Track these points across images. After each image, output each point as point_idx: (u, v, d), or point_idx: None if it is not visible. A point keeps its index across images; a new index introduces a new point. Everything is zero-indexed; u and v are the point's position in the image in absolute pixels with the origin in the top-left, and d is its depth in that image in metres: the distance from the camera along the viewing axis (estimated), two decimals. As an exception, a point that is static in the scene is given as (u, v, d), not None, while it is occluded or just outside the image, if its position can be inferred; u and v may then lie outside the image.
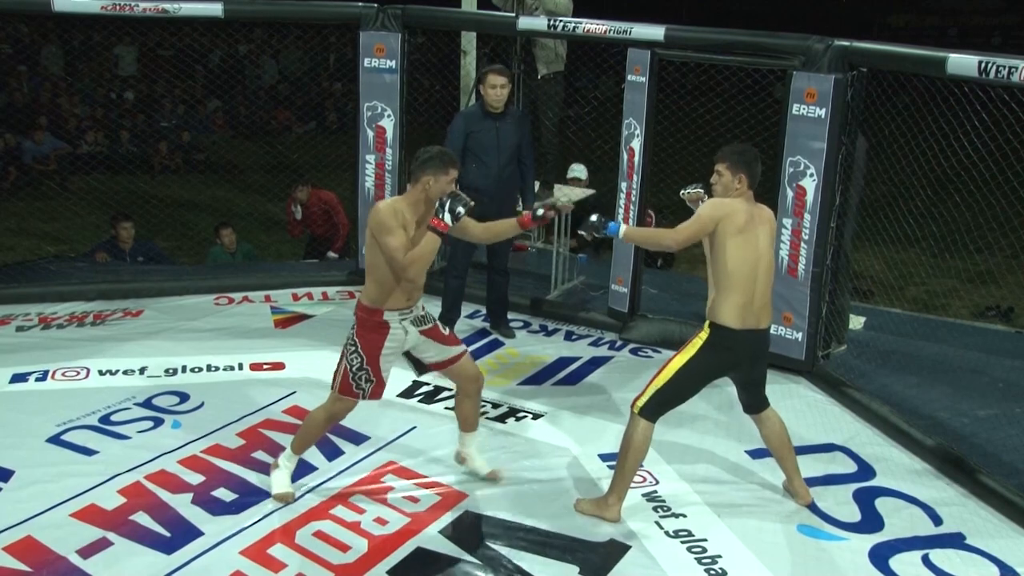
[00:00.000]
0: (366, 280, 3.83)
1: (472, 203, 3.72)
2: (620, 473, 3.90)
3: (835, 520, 4.06)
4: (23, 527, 3.71)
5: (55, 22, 12.52)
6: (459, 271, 5.70)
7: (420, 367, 4.08)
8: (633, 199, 5.79)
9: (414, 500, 4.04)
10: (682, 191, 4.28)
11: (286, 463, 4.04)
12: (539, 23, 5.99)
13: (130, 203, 8.55)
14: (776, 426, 4.08)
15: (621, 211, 5.85)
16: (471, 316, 6.07)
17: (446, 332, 4.03)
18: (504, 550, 3.73)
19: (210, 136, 12.85)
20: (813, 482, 4.31)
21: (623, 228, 3.89)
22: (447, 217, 3.66)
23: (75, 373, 5.10)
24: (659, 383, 3.84)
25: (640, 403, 3.86)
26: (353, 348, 3.84)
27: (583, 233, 4.00)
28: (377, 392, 3.89)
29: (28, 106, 11.95)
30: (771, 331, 5.29)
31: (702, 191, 4.16)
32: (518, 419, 4.81)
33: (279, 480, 4.02)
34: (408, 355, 4.12)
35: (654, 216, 7.48)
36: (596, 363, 5.55)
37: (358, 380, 3.85)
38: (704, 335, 3.84)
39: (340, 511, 3.93)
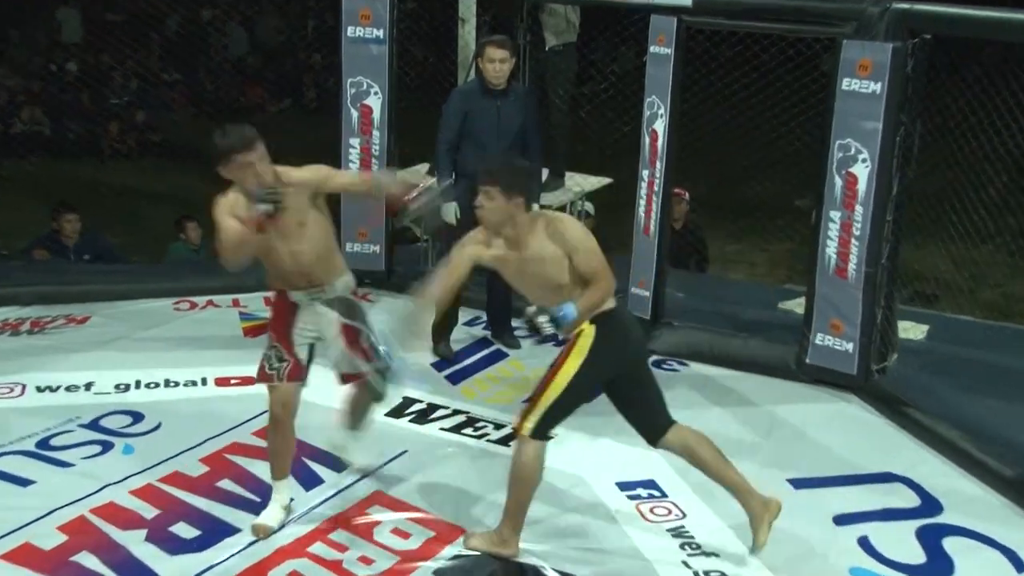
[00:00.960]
0: None
1: (280, 202, 3.79)
2: (515, 503, 3.86)
3: (894, 562, 4.02)
4: (-53, 569, 3.70)
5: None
6: None
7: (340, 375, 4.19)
8: (656, 189, 5.77)
9: (404, 536, 4.03)
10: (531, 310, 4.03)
11: (276, 495, 4.11)
12: (549, -15, 5.98)
13: (74, 192, 8.57)
14: (697, 444, 3.88)
15: (643, 202, 5.83)
16: (469, 323, 6.06)
17: (365, 345, 4.10)
18: (508, 595, 3.72)
19: (168, 115, 12.85)
20: (868, 517, 4.29)
21: (572, 309, 3.68)
22: (252, 211, 3.78)
23: (8, 390, 5.10)
24: (549, 400, 3.77)
25: (529, 425, 3.78)
26: (268, 332, 4.09)
27: (535, 340, 3.98)
28: (295, 374, 3.98)
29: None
30: (820, 341, 5.34)
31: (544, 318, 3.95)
32: (524, 443, 4.78)
33: (268, 512, 4.08)
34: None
35: (686, 193, 7.46)
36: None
37: (269, 360, 4.00)
38: (590, 331, 3.74)
39: (319, 549, 3.92)
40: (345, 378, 4.18)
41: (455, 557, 3.91)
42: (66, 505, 4.11)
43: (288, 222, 3.89)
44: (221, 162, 3.83)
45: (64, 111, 11.79)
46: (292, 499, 4.14)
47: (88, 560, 3.80)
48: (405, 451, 4.66)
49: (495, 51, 5.37)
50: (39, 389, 5.11)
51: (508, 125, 5.45)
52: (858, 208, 5.18)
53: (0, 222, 9.00)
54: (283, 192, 3.82)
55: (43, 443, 4.60)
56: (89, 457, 4.49)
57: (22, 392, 5.08)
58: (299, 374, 4.01)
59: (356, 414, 4.33)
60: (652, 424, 3.90)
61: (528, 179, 3.85)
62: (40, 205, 8.66)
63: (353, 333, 4.08)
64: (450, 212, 5.48)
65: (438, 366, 5.59)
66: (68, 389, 5.12)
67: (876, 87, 5.01)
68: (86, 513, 4.07)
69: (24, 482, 4.29)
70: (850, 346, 5.33)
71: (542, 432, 3.79)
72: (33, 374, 5.24)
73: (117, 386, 5.17)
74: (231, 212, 3.84)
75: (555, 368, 3.79)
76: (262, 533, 3.99)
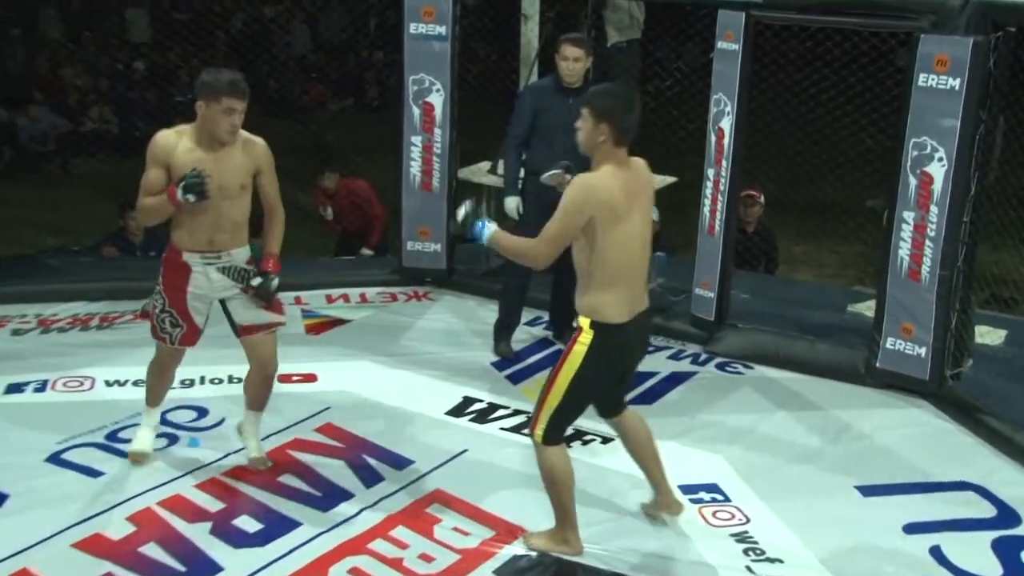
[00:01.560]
0: None
1: (207, 195, 3.87)
2: (559, 506, 3.87)
3: (968, 574, 3.97)
4: (18, 558, 3.80)
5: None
6: (521, 269, 5.70)
7: (234, 327, 4.26)
8: (722, 188, 5.75)
9: (464, 534, 4.06)
10: (543, 176, 4.12)
11: (146, 419, 4.44)
12: (615, -19, 5.98)
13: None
14: (642, 429, 4.04)
15: (708, 202, 5.82)
16: (531, 323, 6.09)
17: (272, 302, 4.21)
18: (570, 597, 3.74)
19: (232, 113, 13.03)
20: (941, 527, 4.23)
21: (490, 231, 3.74)
22: (179, 192, 3.87)
23: (78, 383, 5.23)
24: (553, 404, 3.75)
25: (540, 432, 3.79)
26: (157, 288, 4.16)
27: (454, 231, 3.95)
28: (189, 338, 4.20)
29: (23, 77, 12.24)
30: (891, 345, 5.27)
31: (563, 172, 3.94)
32: (585, 443, 4.80)
33: (140, 437, 4.41)
34: (225, 311, 4.24)
35: (761, 195, 7.41)
36: (676, 379, 5.53)
37: (162, 323, 4.16)
38: (587, 339, 3.68)
39: (380, 545, 3.96)
40: (242, 330, 4.23)
41: (515, 556, 3.93)
42: (135, 496, 4.21)
43: (232, 183, 4.01)
44: (207, 97, 3.91)
45: (131, 109, 12.03)
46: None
47: (155, 551, 3.88)
48: (466, 450, 4.70)
49: (570, 49, 5.38)
50: (108, 383, 5.24)
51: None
52: (933, 208, 5.11)
53: (70, 219, 9.23)
54: (209, 180, 3.89)
55: (112, 435, 4.71)
56: (156, 450, 4.58)
57: (92, 386, 5.21)
58: (193, 339, 4.21)
59: (253, 399, 4.39)
60: (614, 404, 4.02)
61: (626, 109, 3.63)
62: (109, 203, 8.86)
63: (251, 289, 4.16)
64: (513, 208, 5.52)
65: (499, 366, 5.63)
66: (135, 384, 5.23)
67: (955, 83, 4.93)
68: (153, 505, 4.16)
69: (95, 473, 4.39)
70: (922, 351, 5.26)
71: (554, 437, 3.80)
72: (102, 368, 5.37)
73: (182, 381, 5.24)
74: (161, 160, 3.95)
75: (554, 373, 3.78)
76: (140, 460, 4.35)
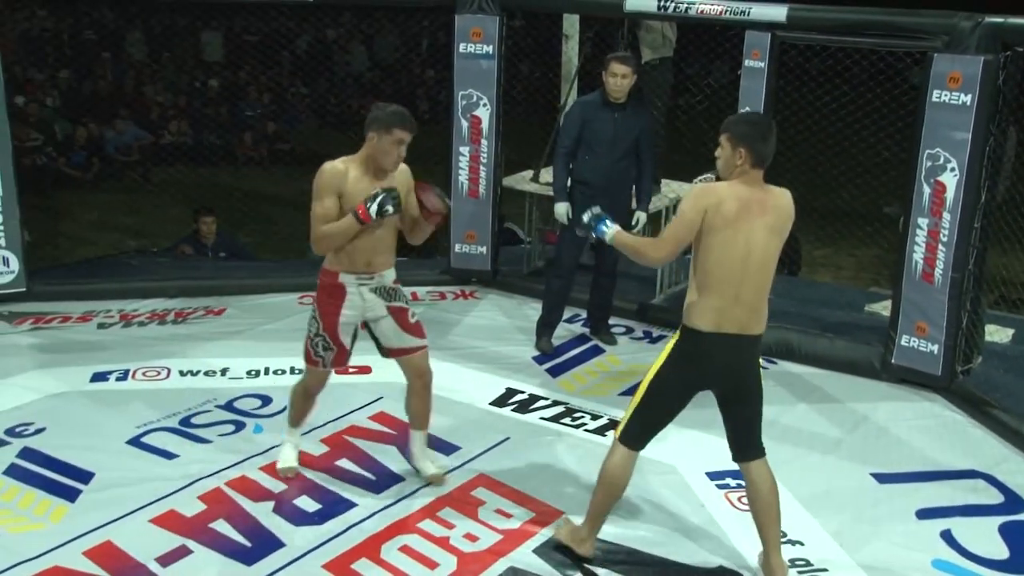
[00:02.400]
0: None
1: (401, 207, 3.84)
2: (593, 505, 3.72)
3: (977, 556, 3.91)
4: (103, 531, 3.86)
5: (139, 6, 13.02)
6: (563, 270, 5.70)
7: (381, 349, 4.19)
8: (749, 195, 5.69)
9: (507, 516, 4.06)
10: (695, 180, 4.08)
11: (288, 437, 4.32)
12: (648, 4, 5.93)
13: (213, 196, 8.82)
14: (766, 487, 3.62)
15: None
16: (570, 320, 6.07)
17: (413, 320, 4.12)
18: (603, 573, 3.71)
19: (296, 126, 13.16)
20: (951, 512, 4.18)
21: (612, 231, 3.69)
22: (373, 209, 3.78)
23: (156, 373, 5.29)
24: (635, 401, 3.60)
25: (620, 428, 3.65)
26: (312, 314, 4.05)
27: (579, 232, 3.92)
28: (340, 360, 4.08)
29: (112, 94, 12.43)
30: (905, 342, 5.20)
31: (713, 178, 3.92)
32: (619, 433, 4.77)
33: (284, 455, 4.31)
34: (371, 333, 4.15)
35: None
36: (705, 374, 5.48)
37: (315, 347, 4.05)
38: (674, 339, 3.54)
39: (428, 525, 3.97)
40: (390, 352, 4.17)
41: (553, 537, 3.91)
42: (205, 477, 4.25)
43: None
44: (380, 129, 3.82)
45: (205, 123, 12.16)
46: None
47: (223, 527, 3.92)
48: (508, 438, 4.70)
49: (618, 66, 5.35)
50: (182, 373, 5.29)
51: (624, 136, 5.41)
52: (946, 215, 5.04)
53: (150, 223, 9.34)
54: (399, 193, 3.85)
55: (185, 421, 4.76)
56: (225, 435, 4.63)
57: (167, 375, 5.27)
58: (343, 360, 4.10)
59: (414, 416, 4.27)
60: (740, 445, 3.65)
61: (762, 136, 3.47)
62: (184, 208, 8.98)
63: (401, 312, 4.08)
64: (562, 212, 5.51)
65: (539, 360, 5.61)
66: (207, 374, 5.29)
67: (967, 99, 4.88)
68: (222, 485, 4.20)
69: (169, 455, 4.44)
70: (935, 348, 5.19)
71: (629, 438, 3.63)
72: (176, 360, 5.43)
73: (249, 372, 5.32)
74: (335, 188, 3.83)
75: (644, 378, 3.64)
76: (290, 475, 4.24)
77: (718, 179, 3.66)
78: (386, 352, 4.18)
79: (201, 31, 13.81)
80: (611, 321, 5.99)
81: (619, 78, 5.34)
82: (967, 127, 4.89)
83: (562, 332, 5.93)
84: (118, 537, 3.83)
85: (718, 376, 3.56)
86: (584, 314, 6.06)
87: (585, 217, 3.82)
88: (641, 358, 5.67)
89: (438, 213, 3.96)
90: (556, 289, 5.73)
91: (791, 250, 7.49)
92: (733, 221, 3.39)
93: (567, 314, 6.05)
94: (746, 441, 3.64)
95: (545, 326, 5.79)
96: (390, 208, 3.79)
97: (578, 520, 3.84)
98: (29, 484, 4.19)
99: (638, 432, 3.63)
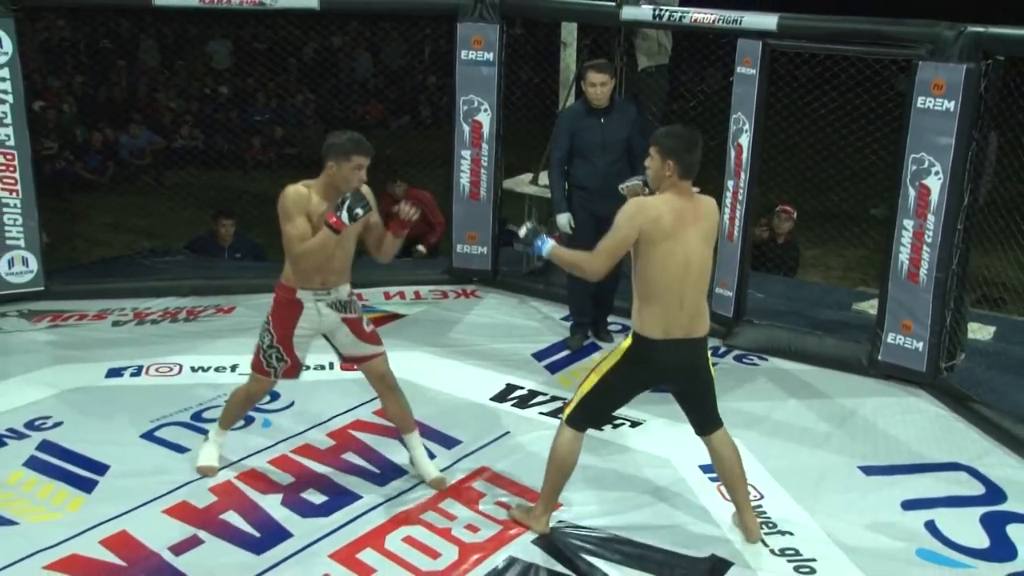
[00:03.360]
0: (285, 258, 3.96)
1: (371, 207, 3.81)
2: (545, 484, 3.83)
3: (959, 546, 3.92)
4: (118, 521, 3.87)
5: (153, 16, 13.02)
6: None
7: (341, 359, 4.20)
8: (740, 198, 5.70)
9: (507, 507, 4.06)
10: (620, 185, 4.07)
11: (215, 437, 4.27)
12: (643, 13, 5.94)
13: (223, 199, 8.82)
14: (727, 451, 3.81)
15: (728, 210, 5.77)
16: (566, 319, 6.07)
17: (368, 328, 4.11)
18: (599, 562, 3.73)
19: (303, 131, 13.17)
20: (935, 503, 4.19)
21: (548, 246, 3.67)
22: (344, 215, 3.74)
23: (168, 369, 5.30)
24: (584, 390, 3.74)
25: (568, 411, 3.78)
26: (266, 325, 4.02)
27: (518, 247, 3.89)
28: (291, 372, 4.05)
29: (126, 100, 12.45)
30: (891, 340, 5.21)
31: (641, 183, 3.88)
32: (615, 427, 4.79)
33: (206, 453, 4.25)
34: (330, 341, 4.15)
35: (794, 212, 7.35)
36: (698, 370, 5.49)
37: (268, 358, 4.02)
38: (626, 344, 3.67)
39: (431, 517, 3.98)
40: (348, 359, 4.15)
41: (552, 527, 3.93)
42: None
43: (352, 231, 3.90)
44: (337, 157, 3.78)
45: (215, 128, 12.18)
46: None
47: (234, 518, 3.93)
48: (508, 432, 4.71)
49: (595, 75, 5.35)
50: (193, 369, 5.30)
51: (612, 140, 5.41)
52: (930, 217, 5.05)
53: (162, 225, 9.35)
54: (364, 195, 3.83)
55: (197, 415, 4.77)
56: (235, 429, 4.59)
57: (179, 371, 5.28)
58: (294, 372, 4.07)
59: (397, 419, 4.23)
60: (700, 422, 3.83)
61: (689, 148, 3.56)
62: (195, 209, 8.98)
63: (355, 323, 4.07)
64: (564, 223, 5.51)
65: (538, 357, 5.62)
66: (217, 370, 5.30)
67: (950, 105, 4.89)
68: (232, 478, 4.21)
69: (182, 449, 4.45)
70: (920, 345, 5.20)
71: (578, 420, 3.76)
72: (188, 356, 5.44)
73: (258, 368, 5.32)
74: (303, 209, 3.80)
75: (595, 367, 3.77)
76: (210, 473, 4.18)
77: (645, 184, 3.77)
78: (344, 359, 4.16)
79: (211, 39, 13.82)
80: (608, 320, 5.99)
81: (598, 87, 5.35)
82: (951, 132, 4.90)
83: (562, 330, 5.94)
84: (133, 527, 3.84)
85: (669, 376, 3.73)
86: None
87: (521, 232, 3.77)
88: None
89: (407, 220, 3.92)
90: (577, 292, 5.74)
91: (790, 258, 7.51)
92: (671, 233, 3.51)
93: (562, 312, 6.06)
94: (704, 418, 3.82)
95: (576, 326, 5.83)
96: (360, 211, 3.76)
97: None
98: (48, 475, 4.21)
99: (583, 418, 3.78)
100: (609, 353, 3.75)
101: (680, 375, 3.72)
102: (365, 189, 3.91)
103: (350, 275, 4.06)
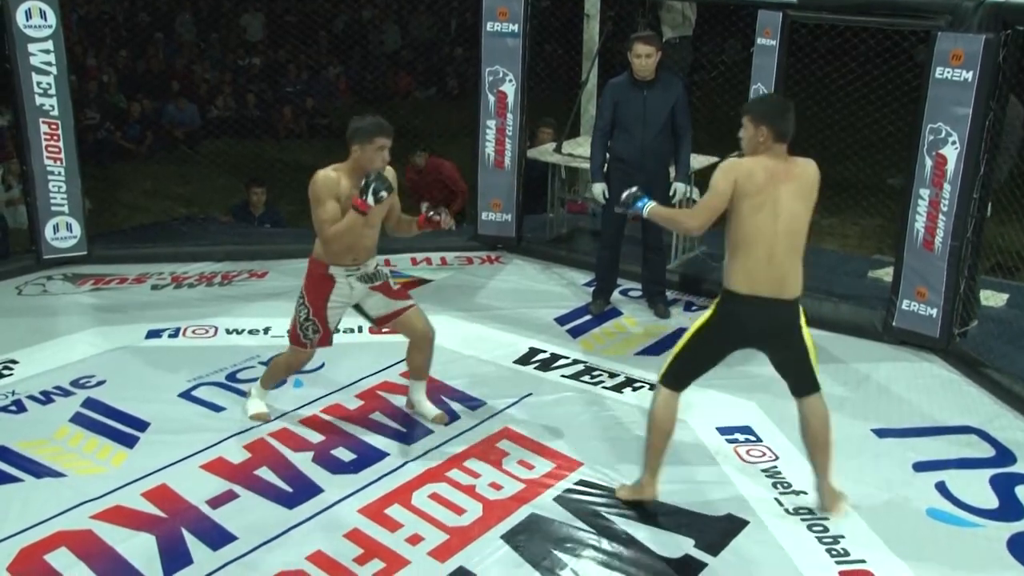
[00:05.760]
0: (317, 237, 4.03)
1: (393, 188, 3.86)
2: (647, 448, 3.78)
3: (969, 506, 3.90)
4: (158, 475, 3.93)
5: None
6: (607, 242, 5.68)
7: (371, 320, 4.28)
8: (759, 167, 5.62)
9: (529, 466, 4.08)
10: (725, 157, 3.99)
11: (257, 394, 4.40)
12: (666, -16, 5.86)
13: (256, 167, 8.84)
14: (815, 419, 3.70)
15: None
16: (589, 284, 6.05)
17: (395, 287, 4.19)
18: (618, 520, 3.73)
19: (333, 101, 13.13)
20: (946, 465, 4.17)
21: (649, 206, 3.68)
22: (369, 198, 3.80)
23: (204, 331, 5.33)
24: (676, 349, 3.70)
25: (661, 371, 3.74)
26: (301, 300, 4.12)
27: (619, 210, 3.88)
28: (323, 341, 4.17)
29: (163, 72, 12.47)
30: (906, 307, 5.15)
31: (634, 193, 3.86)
32: (635, 389, 4.78)
33: (254, 404, 4.38)
34: (360, 309, 4.24)
35: None
36: (716, 335, 5.46)
37: (305, 331, 4.13)
38: (717, 300, 3.61)
39: (456, 474, 4.00)
40: (380, 321, 4.22)
41: (571, 487, 3.95)
42: (250, 428, 4.30)
43: (379, 213, 3.99)
44: (362, 140, 3.86)
45: (248, 99, 12.17)
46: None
47: (267, 474, 3.98)
48: (531, 393, 4.71)
49: (642, 47, 5.24)
50: (228, 331, 5.34)
51: (655, 113, 5.31)
52: (946, 186, 4.97)
53: (199, 192, 9.39)
54: (387, 177, 3.88)
55: (231, 376, 4.81)
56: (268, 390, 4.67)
57: (215, 333, 5.32)
58: (327, 341, 4.17)
59: (416, 369, 4.36)
60: (793, 383, 3.72)
61: (781, 114, 3.52)
62: (229, 177, 9.00)
63: (383, 286, 4.15)
64: (599, 192, 5.47)
65: (561, 321, 5.61)
66: (251, 332, 5.34)
67: (968, 75, 4.79)
68: (265, 436, 4.25)
69: (217, 408, 4.50)
70: (934, 311, 5.14)
71: (671, 380, 3.70)
72: (223, 319, 5.48)
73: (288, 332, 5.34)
74: (333, 193, 3.87)
75: (689, 328, 3.71)
76: (265, 418, 4.32)
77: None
78: (376, 321, 4.23)
79: (243, 12, 13.77)
80: (626, 285, 5.96)
81: (644, 58, 5.24)
82: (968, 103, 4.80)
83: (583, 296, 5.93)
84: (172, 481, 3.90)
85: (758, 339, 3.64)
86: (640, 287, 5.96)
87: (623, 196, 3.79)
88: (657, 320, 5.67)
89: (437, 225, 4.07)
90: (604, 260, 5.72)
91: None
92: (762, 188, 3.46)
93: (584, 278, 6.04)
94: (797, 380, 3.72)
95: (598, 292, 5.80)
96: (384, 192, 3.83)
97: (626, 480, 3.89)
98: (93, 431, 4.28)
99: (676, 378, 3.72)
100: (698, 319, 3.69)
101: (770, 339, 3.63)
102: (389, 171, 3.98)
103: (375, 252, 4.15)
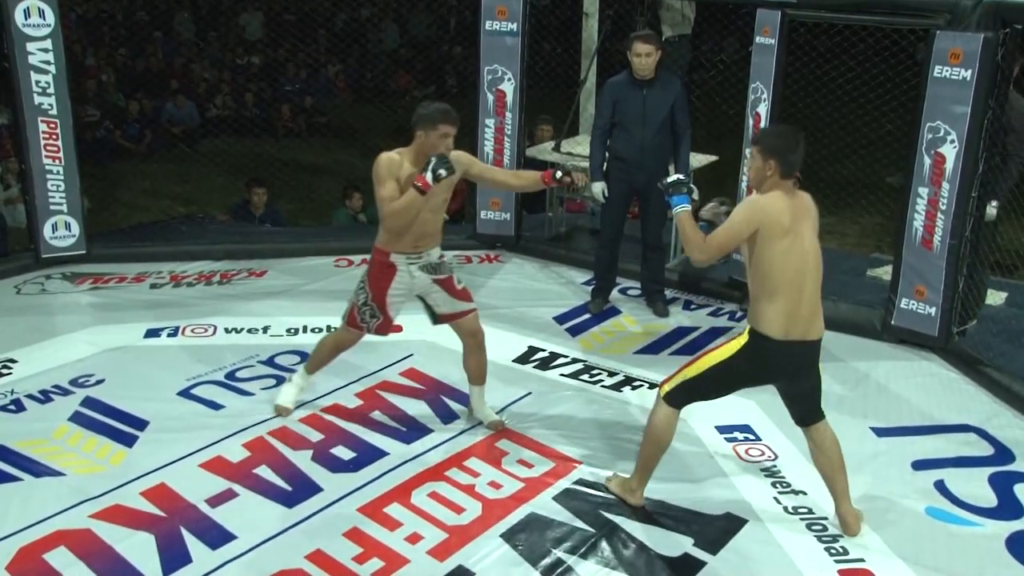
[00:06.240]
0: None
1: (455, 169, 3.90)
2: (640, 459, 3.75)
3: (968, 504, 3.90)
4: (157, 474, 3.92)
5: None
6: (606, 240, 5.67)
7: (434, 316, 4.26)
8: (758, 165, 5.62)
9: (528, 465, 4.07)
10: (702, 210, 3.95)
11: (298, 380, 4.40)
12: (665, -17, 5.85)
13: (255, 166, 8.83)
14: (827, 444, 3.65)
15: (745, 178, 5.70)
16: (587, 283, 6.05)
17: (459, 286, 4.20)
18: (617, 519, 3.73)
19: (332, 100, 13.11)
20: (945, 463, 4.16)
21: (682, 208, 3.55)
22: (429, 175, 3.82)
23: (203, 330, 5.32)
24: (690, 373, 3.60)
25: (667, 388, 3.66)
26: (362, 285, 4.13)
27: (660, 186, 3.73)
28: (384, 328, 4.16)
29: (162, 71, 12.45)
30: (905, 305, 5.15)
31: (724, 208, 3.84)
32: (634, 388, 4.78)
33: (285, 394, 4.39)
34: (425, 303, 4.24)
35: (799, 178, 7.25)
36: (715, 333, 5.45)
37: (363, 314, 4.14)
38: (743, 340, 3.50)
39: (455, 474, 4.00)
40: (441, 318, 4.23)
41: (572, 485, 3.94)
42: (249, 427, 4.29)
43: (440, 197, 4.00)
44: (426, 126, 3.89)
45: (247, 97, 12.15)
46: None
47: (266, 472, 3.97)
48: (529, 393, 4.71)
49: (641, 46, 5.24)
50: (227, 330, 5.33)
51: (653, 112, 5.30)
52: (945, 185, 4.97)
53: (198, 191, 9.38)
54: (449, 157, 3.89)
55: (230, 375, 4.80)
56: (267, 388, 4.66)
57: (214, 332, 5.31)
58: (387, 329, 4.17)
59: (473, 373, 4.33)
60: (801, 416, 3.67)
61: (791, 148, 3.42)
62: (229, 176, 8.99)
63: (447, 281, 4.16)
64: (598, 191, 5.46)
65: (560, 320, 5.61)
66: (249, 331, 5.33)
67: (966, 74, 4.78)
68: (264, 434, 4.24)
69: (216, 406, 4.49)
70: (932, 310, 5.14)
71: (676, 400, 3.65)
72: (222, 318, 5.47)
73: (288, 330, 5.34)
74: (394, 174, 3.90)
75: (708, 351, 3.64)
76: (285, 413, 4.33)
77: (722, 203, 3.65)
78: (438, 319, 4.24)
79: (243, 11, 13.75)
80: (625, 284, 5.95)
81: (644, 57, 5.23)
82: (967, 101, 4.80)
83: (582, 295, 5.92)
84: (171, 479, 3.89)
85: (778, 376, 3.60)
86: (638, 286, 5.96)
87: (670, 179, 3.64)
88: (655, 319, 5.67)
89: (563, 182, 4.14)
90: (603, 259, 5.72)
91: None
92: (790, 229, 3.38)
93: (585, 277, 6.03)
94: (805, 413, 3.66)
95: (596, 291, 5.80)
96: (443, 172, 3.83)
97: (625, 473, 3.87)
98: (92, 430, 4.27)
99: (683, 399, 3.66)
100: (724, 343, 3.60)
101: (790, 377, 3.58)
102: (454, 154, 3.98)
103: (440, 239, 4.17)
